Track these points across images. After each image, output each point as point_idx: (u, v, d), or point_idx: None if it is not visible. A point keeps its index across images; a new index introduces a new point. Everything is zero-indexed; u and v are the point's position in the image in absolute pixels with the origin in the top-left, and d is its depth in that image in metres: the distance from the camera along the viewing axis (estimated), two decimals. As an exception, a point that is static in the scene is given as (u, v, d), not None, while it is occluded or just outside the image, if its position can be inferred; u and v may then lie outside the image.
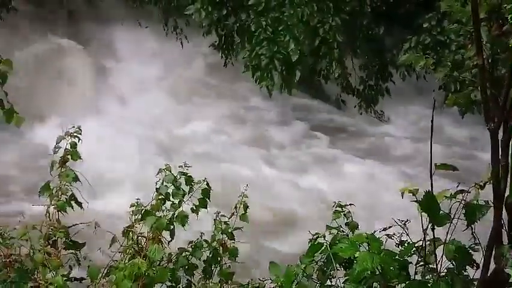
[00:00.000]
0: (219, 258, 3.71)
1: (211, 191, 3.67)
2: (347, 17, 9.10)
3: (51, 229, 3.30)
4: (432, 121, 2.76)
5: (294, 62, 8.97)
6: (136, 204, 3.50)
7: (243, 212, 3.73)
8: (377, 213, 7.84)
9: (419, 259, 2.91)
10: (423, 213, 2.73)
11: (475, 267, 2.81)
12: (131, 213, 3.47)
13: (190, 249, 3.67)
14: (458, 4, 3.22)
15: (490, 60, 2.75)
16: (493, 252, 2.75)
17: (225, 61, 10.35)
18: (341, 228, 3.35)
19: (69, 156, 3.44)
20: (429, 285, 2.71)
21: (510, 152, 2.71)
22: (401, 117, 11.88)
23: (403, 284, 2.71)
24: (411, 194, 2.76)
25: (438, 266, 2.84)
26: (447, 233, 2.80)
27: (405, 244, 3.02)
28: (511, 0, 2.79)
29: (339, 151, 10.52)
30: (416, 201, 2.74)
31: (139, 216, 3.45)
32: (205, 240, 3.71)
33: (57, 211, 3.39)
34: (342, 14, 9.07)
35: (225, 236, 3.71)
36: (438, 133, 9.92)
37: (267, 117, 11.65)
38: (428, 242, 2.88)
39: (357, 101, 10.59)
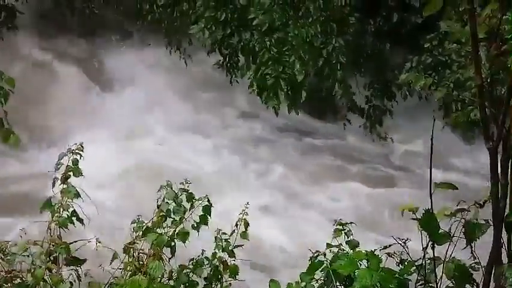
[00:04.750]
0: (219, 276, 3.70)
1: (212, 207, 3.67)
2: (350, 38, 9.14)
3: (53, 245, 3.30)
4: (432, 139, 2.78)
5: (299, 82, 9.02)
6: (137, 220, 3.51)
7: (244, 230, 3.73)
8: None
9: (419, 277, 2.91)
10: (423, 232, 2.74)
11: (475, 286, 2.81)
12: (132, 229, 3.47)
13: (191, 266, 3.67)
14: (458, 25, 3.25)
15: (489, 80, 2.77)
16: (493, 271, 2.75)
17: (230, 79, 10.41)
18: (342, 247, 3.34)
19: (71, 173, 3.45)
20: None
21: (509, 171, 2.73)
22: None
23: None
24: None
25: (439, 284, 2.84)
26: (446, 251, 2.80)
27: (406, 263, 3.02)
28: (509, 21, 2.82)
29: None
30: (415, 219, 2.75)
31: (140, 233, 3.46)
32: (206, 258, 3.71)
33: (59, 227, 3.39)
34: (345, 35, 9.12)
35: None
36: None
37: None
38: (428, 261, 2.88)
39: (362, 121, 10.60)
